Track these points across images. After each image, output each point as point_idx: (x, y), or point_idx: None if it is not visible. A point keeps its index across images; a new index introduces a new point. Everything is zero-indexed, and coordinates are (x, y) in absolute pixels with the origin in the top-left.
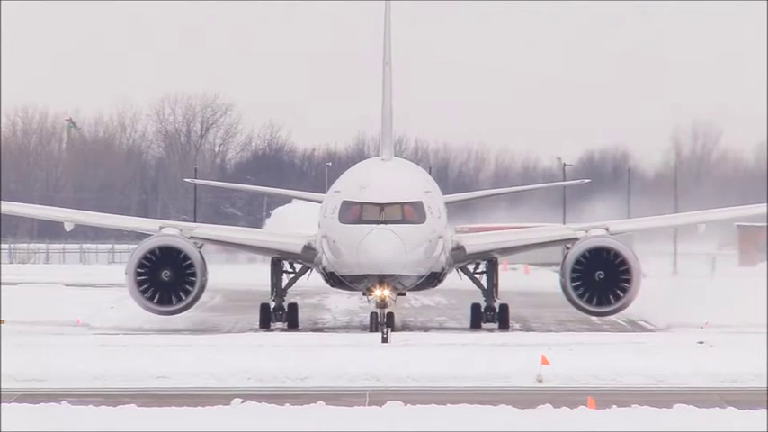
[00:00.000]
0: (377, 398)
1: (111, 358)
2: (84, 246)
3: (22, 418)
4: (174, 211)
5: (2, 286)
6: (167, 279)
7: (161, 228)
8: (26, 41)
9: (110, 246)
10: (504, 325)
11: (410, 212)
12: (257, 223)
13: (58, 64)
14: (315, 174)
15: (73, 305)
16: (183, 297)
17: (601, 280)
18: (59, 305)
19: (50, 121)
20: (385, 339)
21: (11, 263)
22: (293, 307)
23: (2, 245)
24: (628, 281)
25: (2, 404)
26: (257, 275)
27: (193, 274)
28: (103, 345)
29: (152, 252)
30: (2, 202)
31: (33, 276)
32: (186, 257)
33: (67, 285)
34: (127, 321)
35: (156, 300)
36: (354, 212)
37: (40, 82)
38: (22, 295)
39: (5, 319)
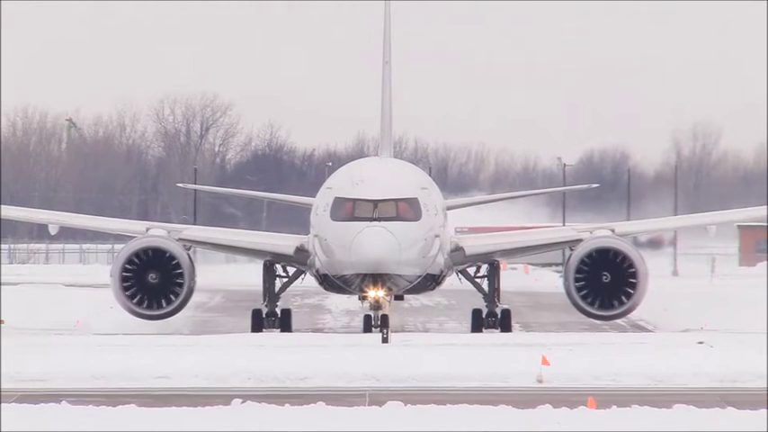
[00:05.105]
0: (377, 398)
1: (111, 358)
2: (84, 246)
3: (22, 418)
4: (175, 212)
5: (2, 286)
6: (154, 282)
7: (148, 229)
8: (26, 41)
9: (109, 246)
10: (506, 331)
11: (405, 209)
12: (257, 224)
13: (58, 64)
14: (315, 174)
15: (73, 305)
16: (170, 301)
17: (606, 283)
18: (59, 305)
19: (50, 121)
20: (385, 340)
21: (11, 263)
22: (286, 313)
23: (2, 245)
24: (634, 283)
25: (2, 404)
26: (258, 276)
27: (181, 278)
28: (103, 345)
29: (138, 254)
30: None
31: (33, 276)
32: (174, 260)
33: (67, 285)
34: (127, 322)
35: (141, 303)
36: (347, 209)
37: (40, 82)
38: (21, 295)
39: (5, 319)
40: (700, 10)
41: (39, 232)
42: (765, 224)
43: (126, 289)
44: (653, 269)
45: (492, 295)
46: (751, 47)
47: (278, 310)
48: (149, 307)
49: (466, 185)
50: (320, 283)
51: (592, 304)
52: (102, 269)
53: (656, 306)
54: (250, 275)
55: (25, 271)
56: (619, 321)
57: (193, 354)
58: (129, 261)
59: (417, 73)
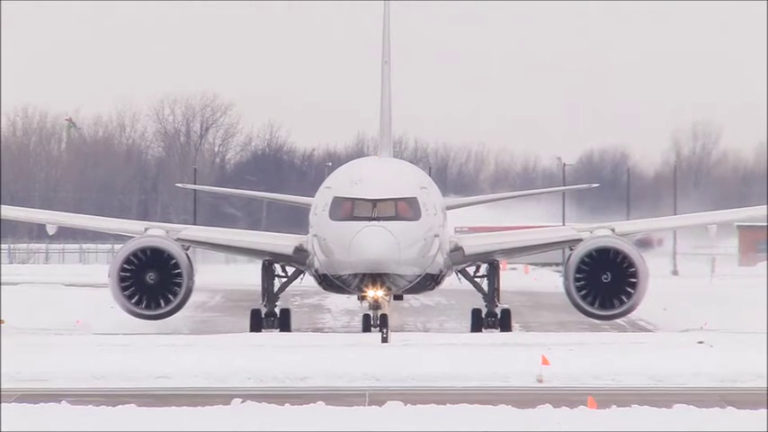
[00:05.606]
0: (377, 398)
1: (111, 358)
2: (84, 246)
3: (22, 418)
4: (175, 212)
5: (2, 286)
6: (152, 282)
7: (146, 229)
8: (26, 41)
9: (109, 246)
10: (505, 331)
11: (404, 209)
12: (257, 224)
13: (58, 64)
14: (315, 174)
15: (73, 305)
16: (169, 301)
17: (606, 282)
18: (59, 305)
19: (50, 121)
20: (385, 339)
21: (10, 263)
22: (285, 312)
23: (1, 245)
24: (634, 283)
25: (2, 404)
26: (257, 276)
27: (179, 278)
28: (103, 345)
29: (136, 254)
30: None
31: (33, 276)
32: (172, 260)
33: (67, 285)
34: (127, 322)
35: (140, 303)
36: (346, 209)
37: (40, 82)
38: (21, 295)
39: (5, 319)
40: (700, 10)
41: (38, 232)
42: (765, 224)
43: (124, 289)
44: (653, 269)
45: (492, 295)
46: (751, 47)
47: (277, 310)
48: (148, 307)
49: (466, 185)
50: (319, 283)
51: (592, 304)
52: (101, 269)
53: (655, 306)
54: (249, 275)
55: (25, 271)
56: (619, 321)
57: (193, 353)
58: (128, 261)
59: (417, 73)
